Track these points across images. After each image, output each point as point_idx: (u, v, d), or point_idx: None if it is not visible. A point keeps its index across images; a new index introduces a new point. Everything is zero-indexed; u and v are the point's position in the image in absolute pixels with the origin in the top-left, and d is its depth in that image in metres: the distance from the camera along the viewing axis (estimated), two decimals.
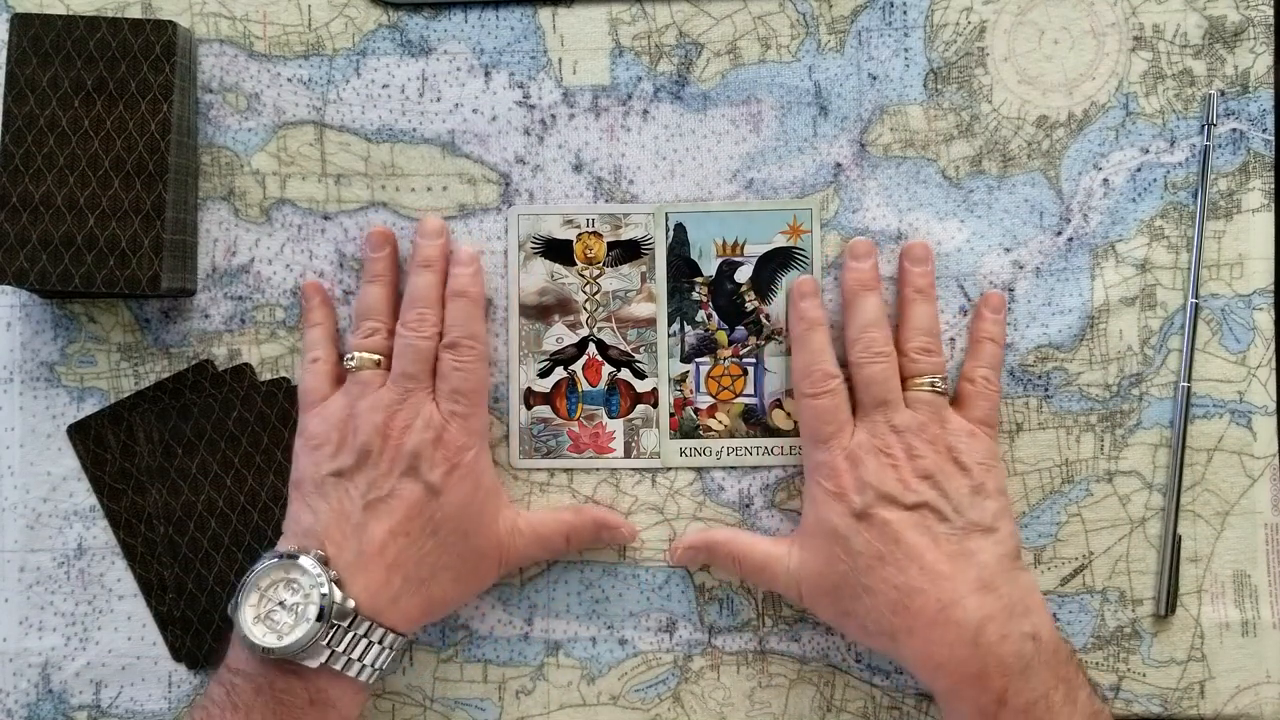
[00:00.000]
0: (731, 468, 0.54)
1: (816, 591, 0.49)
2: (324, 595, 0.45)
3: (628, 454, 0.55)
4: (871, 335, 0.50)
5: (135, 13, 0.55)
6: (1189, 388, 0.53)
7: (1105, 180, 0.54)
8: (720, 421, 0.55)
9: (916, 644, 0.46)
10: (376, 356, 0.51)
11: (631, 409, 0.55)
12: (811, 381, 0.51)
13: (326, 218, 0.55)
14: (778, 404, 0.54)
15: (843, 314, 0.52)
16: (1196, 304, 0.54)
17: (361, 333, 0.52)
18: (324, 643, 0.45)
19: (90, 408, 0.55)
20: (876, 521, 0.47)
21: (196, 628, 0.54)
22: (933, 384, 0.50)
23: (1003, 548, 0.48)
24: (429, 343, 0.50)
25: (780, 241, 0.55)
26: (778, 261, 0.55)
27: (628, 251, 0.55)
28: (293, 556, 0.46)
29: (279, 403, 0.54)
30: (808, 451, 0.51)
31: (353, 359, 0.51)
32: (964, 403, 0.52)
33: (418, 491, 0.48)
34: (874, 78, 0.55)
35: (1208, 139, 0.54)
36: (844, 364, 0.52)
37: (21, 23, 0.50)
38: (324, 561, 0.47)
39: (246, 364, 0.55)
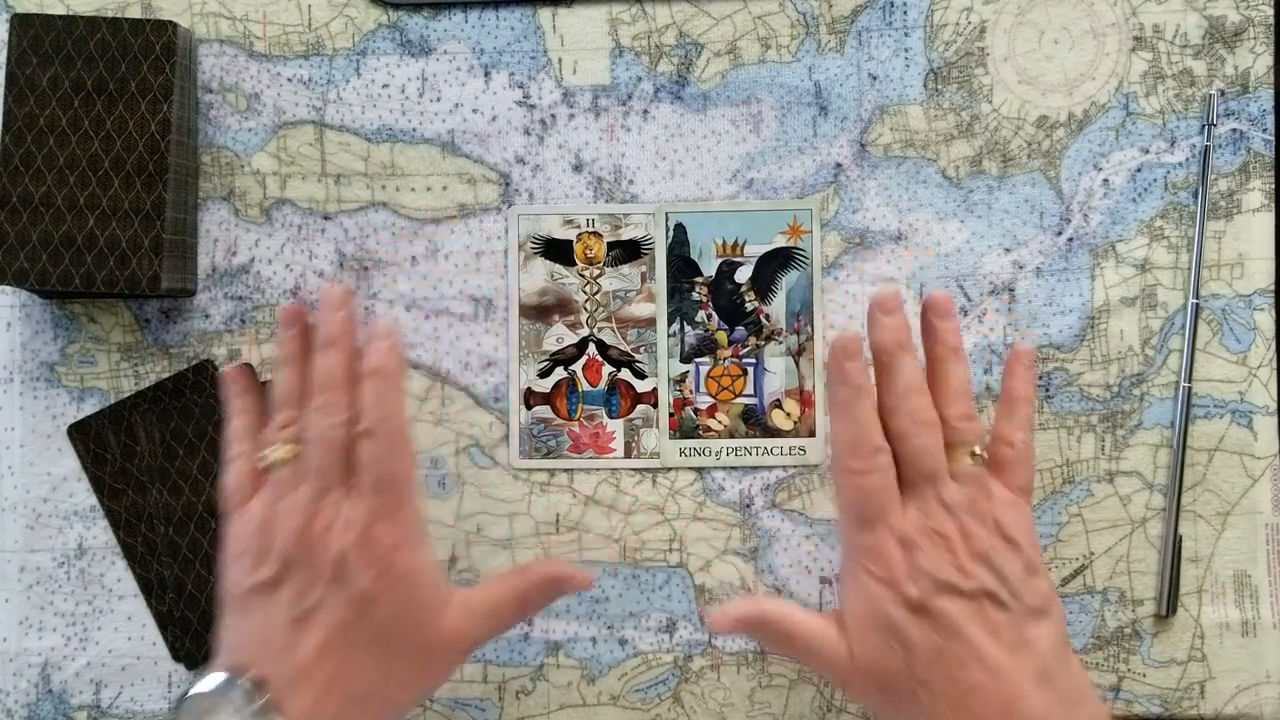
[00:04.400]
0: (731, 468, 0.54)
1: (866, 683, 0.44)
2: None
3: (628, 454, 0.55)
4: (915, 402, 0.44)
5: (135, 13, 0.55)
6: (1190, 388, 0.53)
7: (1105, 180, 0.54)
8: (720, 422, 0.55)
9: None
10: (291, 451, 0.45)
11: (631, 409, 0.55)
12: (859, 456, 0.44)
13: (327, 218, 0.55)
14: (777, 404, 0.54)
15: (875, 376, 0.46)
16: (1197, 304, 0.53)
17: (276, 425, 0.46)
18: None
19: (90, 408, 0.55)
20: (935, 613, 0.42)
21: (196, 628, 0.54)
22: (975, 452, 0.45)
23: (1057, 631, 0.43)
24: (340, 431, 0.44)
25: (780, 242, 0.55)
26: (778, 261, 0.55)
27: (628, 251, 0.55)
28: (225, 681, 0.41)
29: None
30: (849, 532, 0.45)
31: (264, 457, 0.45)
32: (1003, 468, 0.46)
33: (348, 600, 0.43)
34: (874, 78, 0.55)
35: (1208, 139, 0.54)
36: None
37: (21, 23, 0.50)
38: (257, 684, 0.41)
39: (246, 364, 0.54)
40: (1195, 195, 0.54)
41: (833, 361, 0.46)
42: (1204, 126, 0.54)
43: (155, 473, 0.53)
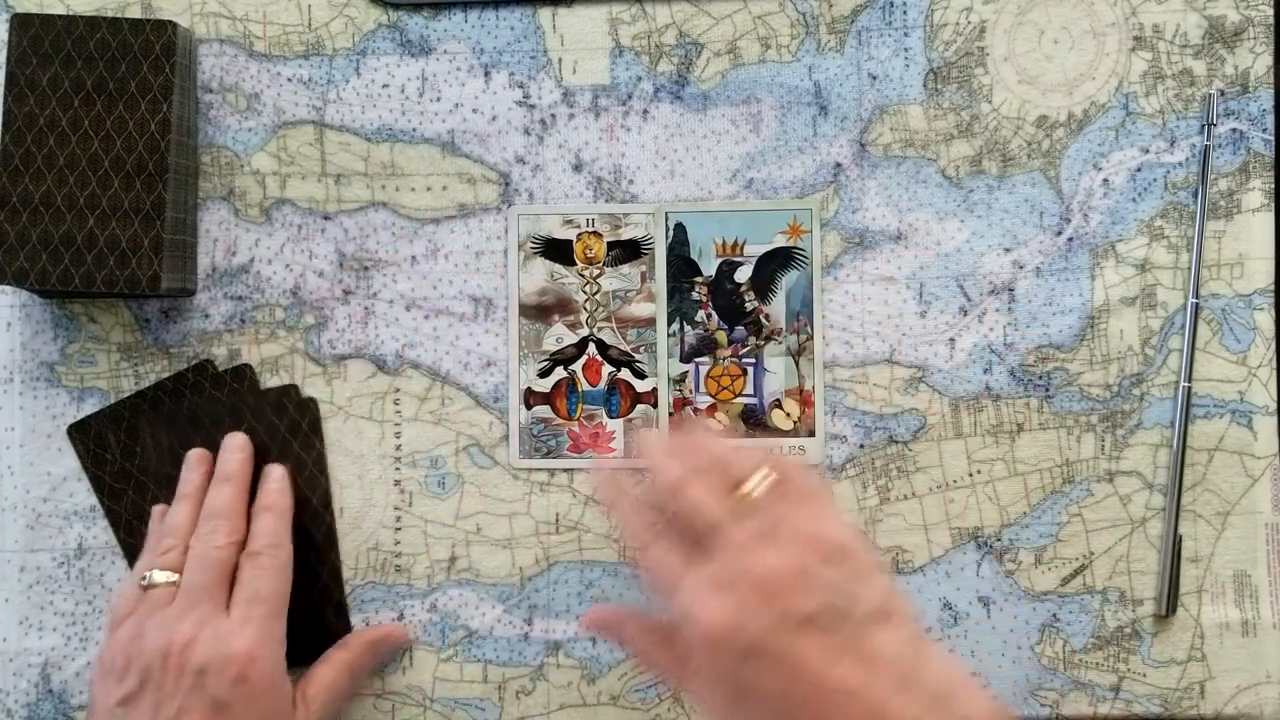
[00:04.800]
0: None
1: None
2: None
3: (628, 454, 0.55)
4: (657, 479, 0.44)
5: (135, 13, 0.55)
6: (1189, 388, 0.53)
7: (1105, 180, 0.54)
8: (720, 421, 0.55)
9: None
10: (172, 575, 0.48)
11: (631, 409, 0.55)
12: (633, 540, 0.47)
13: (326, 217, 0.55)
14: (777, 404, 0.54)
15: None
16: (1197, 304, 0.53)
17: (158, 550, 0.49)
18: None
19: (90, 408, 0.54)
20: (770, 656, 0.38)
21: None
22: (754, 482, 0.42)
23: (907, 630, 0.40)
24: (222, 552, 0.48)
25: (780, 241, 0.55)
26: (778, 261, 0.55)
27: (628, 251, 0.55)
28: None
29: (288, 412, 0.54)
30: (669, 610, 0.42)
31: (145, 578, 0.48)
32: (781, 483, 0.43)
33: (207, 707, 0.45)
34: (874, 77, 0.55)
35: (1208, 139, 0.54)
36: None
37: (21, 23, 0.50)
38: None
39: (246, 365, 0.54)
40: (1195, 195, 0.54)
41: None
42: (1204, 126, 0.54)
43: (163, 481, 0.53)
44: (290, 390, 0.54)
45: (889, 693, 0.38)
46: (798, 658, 0.38)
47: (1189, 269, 0.54)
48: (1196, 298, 0.54)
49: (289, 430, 0.54)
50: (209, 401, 0.54)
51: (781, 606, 0.38)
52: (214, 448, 0.53)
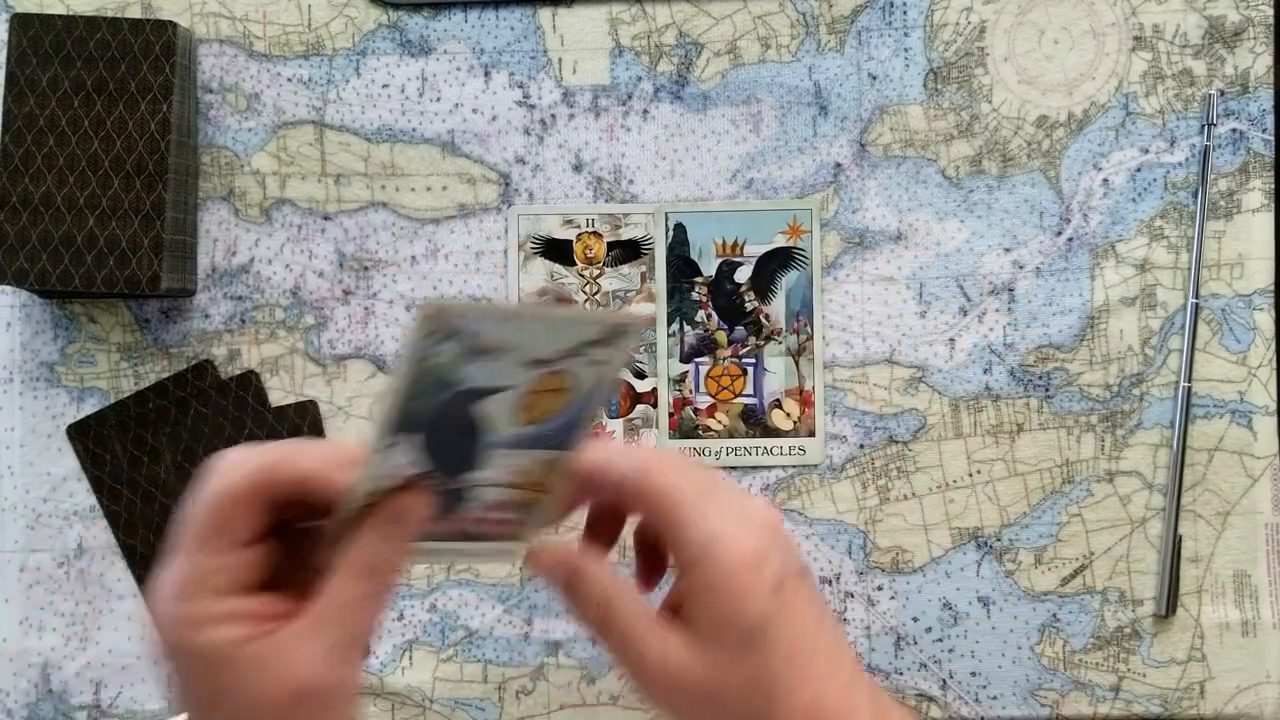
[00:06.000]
0: (731, 468, 0.54)
1: (692, 695, 0.36)
2: None
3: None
4: None
5: (135, 13, 0.55)
6: (1189, 388, 0.53)
7: (1105, 180, 0.54)
8: (720, 421, 0.55)
9: None
10: None
11: (631, 409, 0.55)
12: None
13: (326, 218, 0.55)
14: (777, 404, 0.54)
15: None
16: (1197, 304, 0.53)
17: None
18: None
19: (90, 408, 0.54)
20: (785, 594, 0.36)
21: None
22: None
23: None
24: None
25: (780, 241, 0.55)
26: (778, 261, 0.55)
27: (628, 251, 0.55)
28: None
29: (289, 419, 0.54)
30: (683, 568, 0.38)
31: None
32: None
33: None
34: (874, 77, 0.55)
35: (1208, 139, 0.54)
36: None
37: (21, 23, 0.50)
38: None
39: (252, 372, 0.54)
40: (1195, 195, 0.54)
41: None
42: (1204, 126, 0.54)
43: (170, 491, 0.53)
44: (309, 406, 0.54)
45: (848, 653, 0.37)
46: (800, 605, 0.36)
47: (1189, 269, 0.54)
48: (1197, 298, 0.53)
49: (291, 434, 0.54)
50: (213, 411, 0.54)
51: (785, 546, 0.37)
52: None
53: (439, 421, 0.35)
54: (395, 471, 0.35)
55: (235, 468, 0.35)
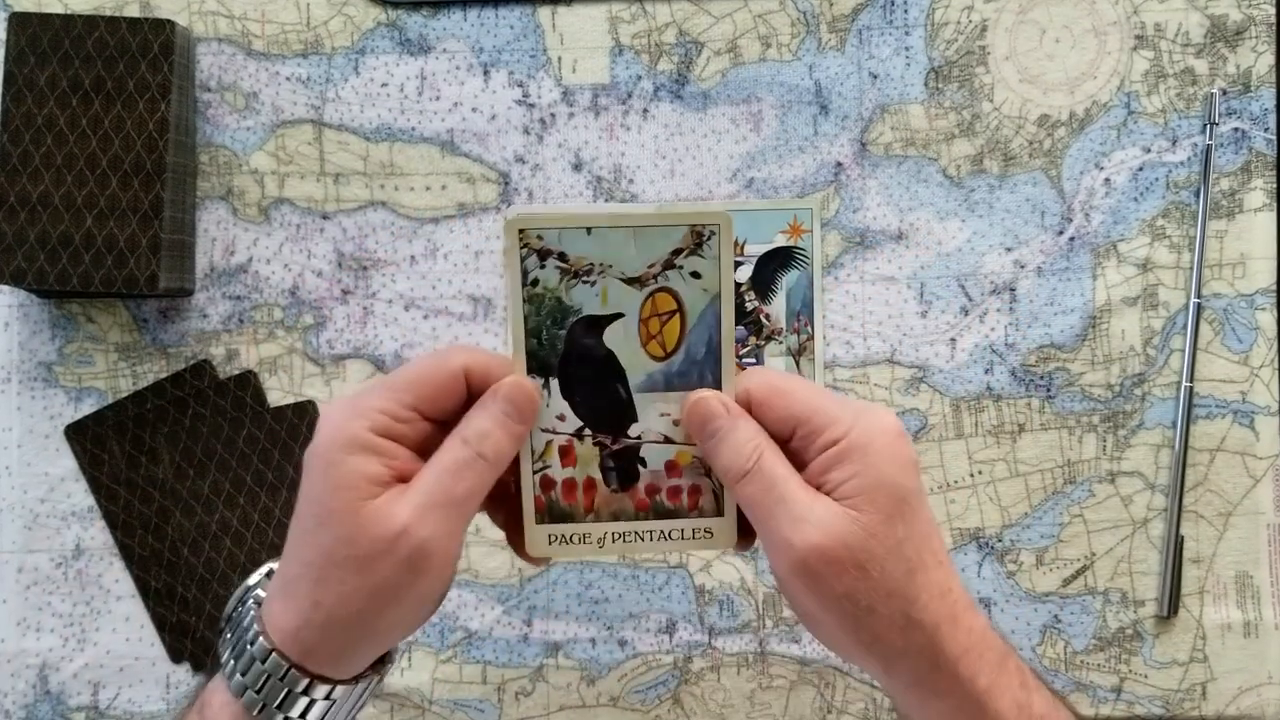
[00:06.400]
0: None
1: (835, 558, 0.36)
2: None
3: None
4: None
5: (133, 11, 0.55)
6: (1191, 388, 0.53)
7: (1107, 179, 0.54)
8: None
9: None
10: None
11: None
12: None
13: (325, 217, 0.55)
14: None
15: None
16: (1199, 304, 0.53)
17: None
18: None
19: (88, 408, 0.54)
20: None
21: (195, 630, 0.53)
22: None
23: None
24: None
25: (780, 241, 0.54)
26: (778, 261, 0.54)
27: None
28: None
29: (288, 419, 0.54)
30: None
31: None
32: None
33: None
34: (875, 76, 0.54)
35: (1210, 138, 0.53)
36: None
37: (19, 21, 0.50)
38: None
39: (251, 371, 0.54)
40: (1197, 194, 0.54)
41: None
42: (1206, 125, 0.54)
43: (169, 493, 0.53)
44: (308, 406, 0.54)
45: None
46: (923, 495, 0.38)
47: (1191, 269, 0.54)
48: (1199, 297, 0.53)
49: (289, 434, 0.54)
50: (212, 411, 0.54)
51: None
52: (218, 460, 0.53)
53: (571, 360, 0.37)
54: (557, 428, 0.38)
55: (456, 351, 0.38)
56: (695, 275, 0.37)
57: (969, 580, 0.54)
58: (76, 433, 0.54)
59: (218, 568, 0.53)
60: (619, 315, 0.37)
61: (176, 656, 0.54)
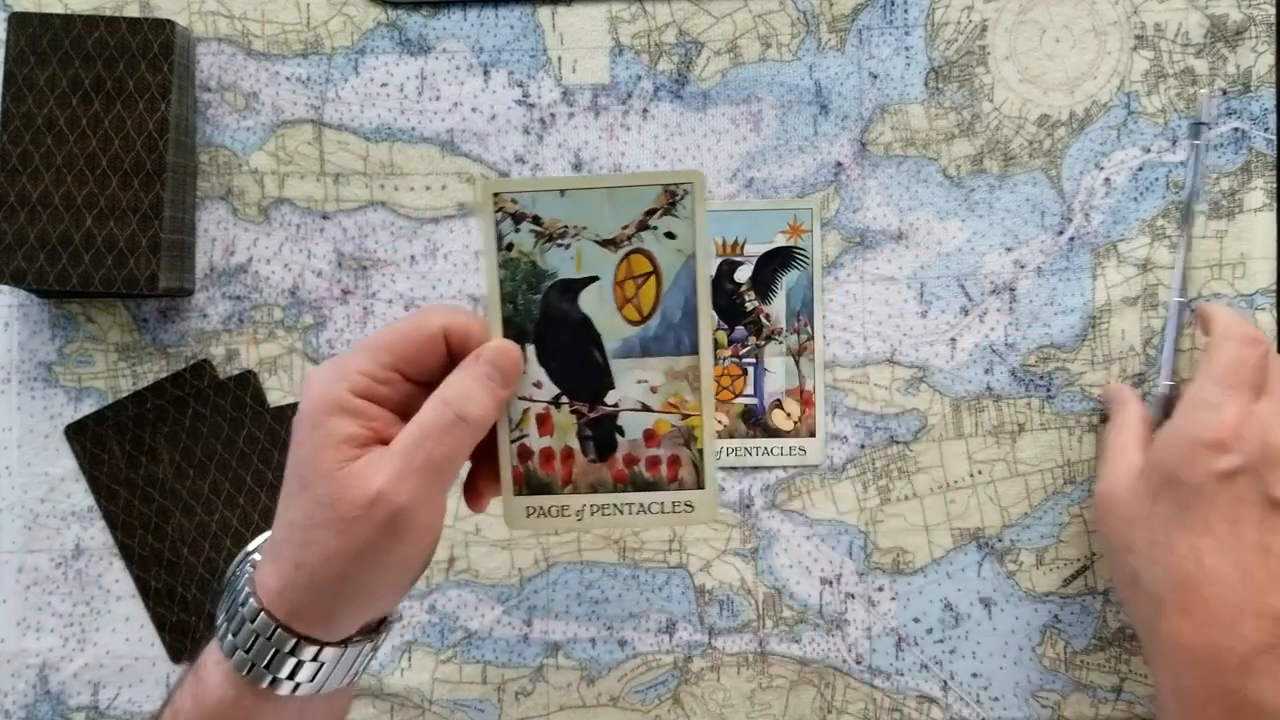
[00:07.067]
0: (732, 468, 0.54)
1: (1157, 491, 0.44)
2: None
3: None
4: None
5: (133, 11, 0.55)
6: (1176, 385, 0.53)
7: (1107, 179, 0.54)
8: (720, 421, 0.54)
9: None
10: None
11: None
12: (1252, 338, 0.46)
13: (325, 217, 0.55)
14: (778, 404, 0.54)
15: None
16: (1181, 303, 0.53)
17: None
18: None
19: (88, 408, 0.54)
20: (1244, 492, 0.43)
21: (198, 631, 0.53)
22: None
23: None
24: None
25: (780, 241, 0.54)
26: (778, 261, 0.54)
27: None
28: None
29: (288, 419, 0.54)
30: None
31: None
32: None
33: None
34: (875, 76, 0.54)
35: (1196, 138, 0.53)
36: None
37: (19, 21, 0.50)
38: None
39: (251, 371, 0.54)
40: (1189, 195, 0.54)
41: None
42: (1194, 125, 0.53)
43: (169, 493, 0.53)
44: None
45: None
46: (1237, 520, 0.43)
47: (1189, 269, 0.54)
48: (1182, 297, 0.53)
49: (289, 434, 0.54)
50: (212, 411, 0.54)
51: (1262, 458, 0.44)
52: (217, 458, 0.53)
53: (547, 325, 0.37)
54: (534, 395, 0.38)
55: (436, 311, 0.39)
56: (670, 235, 0.37)
57: (969, 581, 0.54)
58: (76, 433, 0.54)
59: (218, 568, 0.53)
60: (594, 278, 0.37)
61: (176, 656, 0.54)
